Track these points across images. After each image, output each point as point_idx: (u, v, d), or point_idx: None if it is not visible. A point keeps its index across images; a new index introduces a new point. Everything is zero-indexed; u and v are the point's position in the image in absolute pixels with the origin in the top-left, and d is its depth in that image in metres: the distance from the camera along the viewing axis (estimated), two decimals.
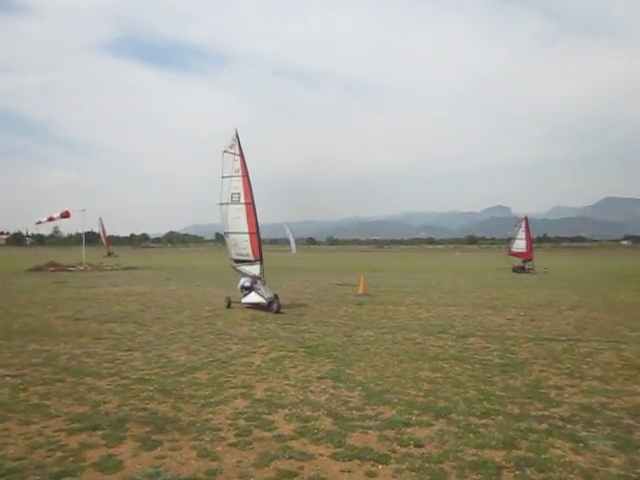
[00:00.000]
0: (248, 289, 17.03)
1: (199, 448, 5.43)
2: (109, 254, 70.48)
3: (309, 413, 6.54)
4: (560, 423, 6.17)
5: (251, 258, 17.18)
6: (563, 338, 11.66)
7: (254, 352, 10.22)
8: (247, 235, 17.10)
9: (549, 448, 5.43)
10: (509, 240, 43.76)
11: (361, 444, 5.54)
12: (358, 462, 5.12)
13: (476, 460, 5.14)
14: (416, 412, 6.56)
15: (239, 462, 5.11)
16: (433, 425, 6.11)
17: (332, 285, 26.22)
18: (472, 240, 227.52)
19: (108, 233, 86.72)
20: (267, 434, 5.85)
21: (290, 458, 5.19)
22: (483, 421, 6.24)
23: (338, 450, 5.39)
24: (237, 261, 17.84)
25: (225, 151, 17.40)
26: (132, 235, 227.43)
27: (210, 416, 6.43)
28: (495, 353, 10.09)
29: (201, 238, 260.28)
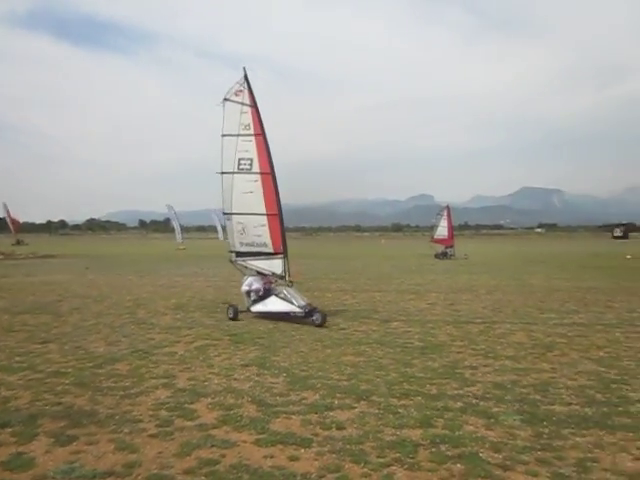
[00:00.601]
0: (260, 293, 12.97)
1: (117, 441, 5.28)
2: (18, 242, 64.78)
3: (232, 401, 6.51)
4: (474, 401, 6.49)
5: (269, 250, 12.97)
6: (479, 320, 12.24)
7: (178, 341, 10.03)
8: (264, 218, 12.83)
9: (463, 425, 5.71)
10: (432, 227, 45.17)
11: (284, 429, 5.59)
12: (281, 447, 5.16)
13: (395, 439, 5.31)
14: (339, 396, 6.69)
15: (159, 453, 5.02)
16: (355, 408, 6.26)
17: None
18: (397, 227, 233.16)
19: (22, 220, 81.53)
20: (189, 423, 5.77)
21: (212, 446, 5.15)
22: (402, 402, 6.46)
23: (261, 436, 5.41)
24: (242, 253, 13.47)
25: (227, 99, 12.79)
26: (49, 222, 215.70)
27: (130, 408, 6.26)
28: (416, 336, 10.43)
29: (123, 225, 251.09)
